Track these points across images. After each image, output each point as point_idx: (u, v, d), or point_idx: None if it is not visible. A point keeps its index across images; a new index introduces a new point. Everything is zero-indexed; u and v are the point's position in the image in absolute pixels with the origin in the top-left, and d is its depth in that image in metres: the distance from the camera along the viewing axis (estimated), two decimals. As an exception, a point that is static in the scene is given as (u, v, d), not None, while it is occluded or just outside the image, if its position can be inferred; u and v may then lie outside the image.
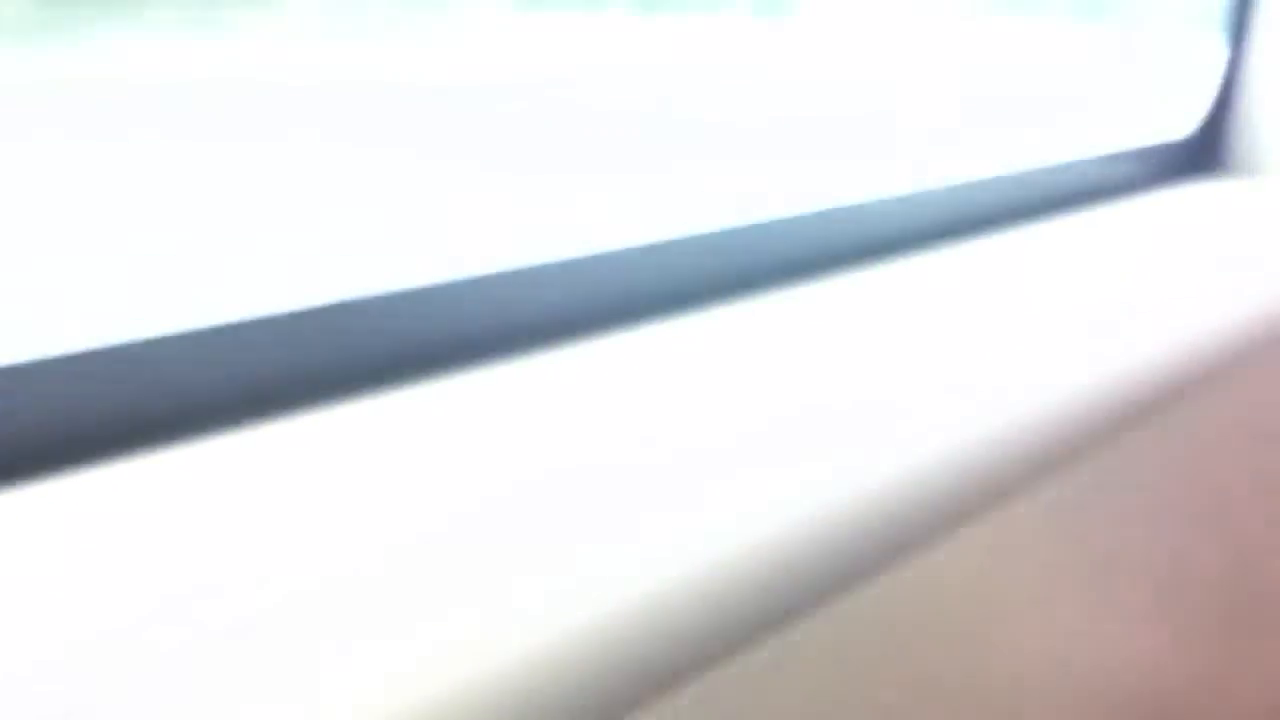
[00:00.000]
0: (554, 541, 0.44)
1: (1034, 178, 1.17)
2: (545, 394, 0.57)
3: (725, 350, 0.65)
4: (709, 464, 0.52)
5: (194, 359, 0.53)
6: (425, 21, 0.82)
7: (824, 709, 0.68)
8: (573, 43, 0.95)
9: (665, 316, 0.72)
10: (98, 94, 0.66)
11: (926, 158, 1.24)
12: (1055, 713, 1.00)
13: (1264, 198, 1.35)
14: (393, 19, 0.80)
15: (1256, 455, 1.27)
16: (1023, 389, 0.71)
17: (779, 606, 0.53)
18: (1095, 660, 1.03)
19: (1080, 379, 0.76)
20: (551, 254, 0.70)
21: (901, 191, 0.98)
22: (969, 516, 0.67)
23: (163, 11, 0.68)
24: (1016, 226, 1.09)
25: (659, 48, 1.03)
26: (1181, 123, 1.48)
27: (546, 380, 0.59)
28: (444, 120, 0.83)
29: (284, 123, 0.74)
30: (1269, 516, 1.33)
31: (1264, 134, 1.45)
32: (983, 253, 0.98)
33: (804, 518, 0.54)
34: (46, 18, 0.64)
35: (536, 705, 0.41)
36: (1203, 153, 1.46)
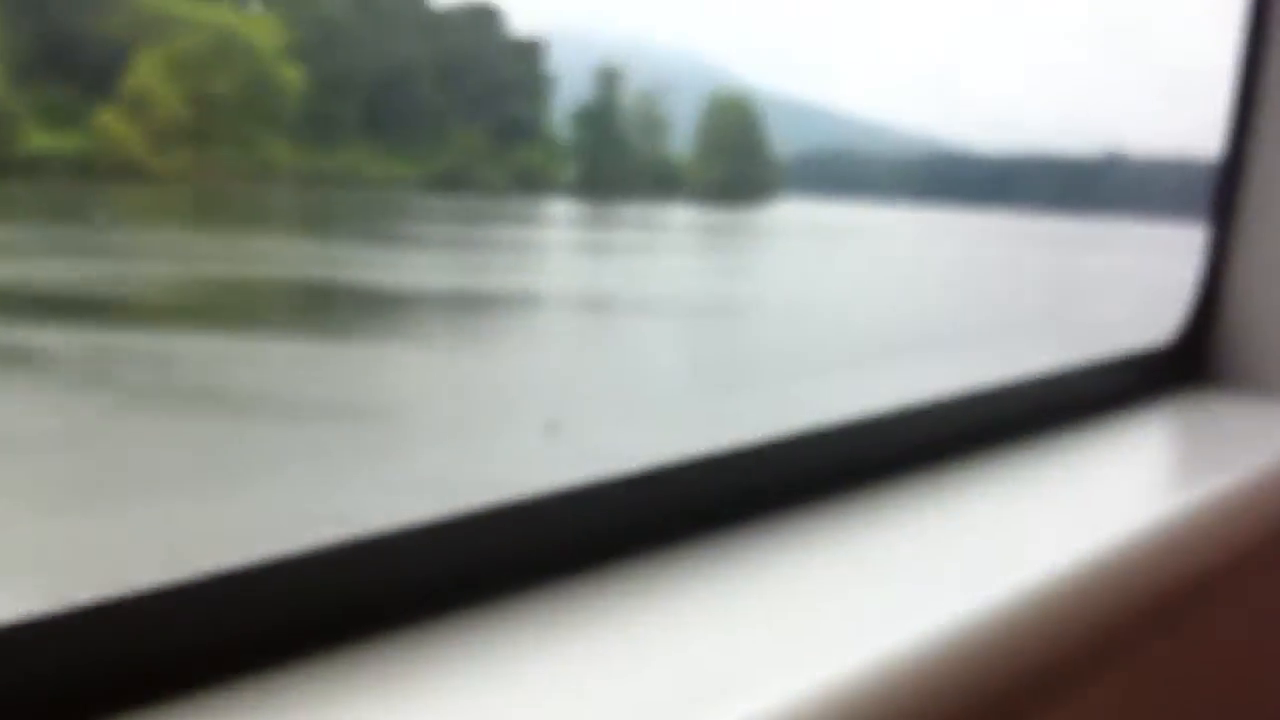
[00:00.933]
0: None
1: (1009, 393, 1.15)
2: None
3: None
4: None
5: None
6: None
7: None
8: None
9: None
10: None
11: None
12: None
13: (1252, 413, 1.31)
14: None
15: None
16: (1031, 603, 0.73)
17: None
18: None
19: (1076, 601, 0.77)
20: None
21: (887, 411, 0.99)
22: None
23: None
24: (996, 444, 1.06)
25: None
26: (1162, 326, 1.44)
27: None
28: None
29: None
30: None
31: (1251, 342, 1.40)
32: (962, 476, 0.96)
33: None
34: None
35: None
36: (1183, 362, 1.42)
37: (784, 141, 2.32)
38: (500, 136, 1.66)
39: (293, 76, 1.29)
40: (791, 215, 2.40)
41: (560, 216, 2.07)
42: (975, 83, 2.72)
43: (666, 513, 0.75)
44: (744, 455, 0.84)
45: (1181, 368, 1.41)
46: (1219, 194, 1.42)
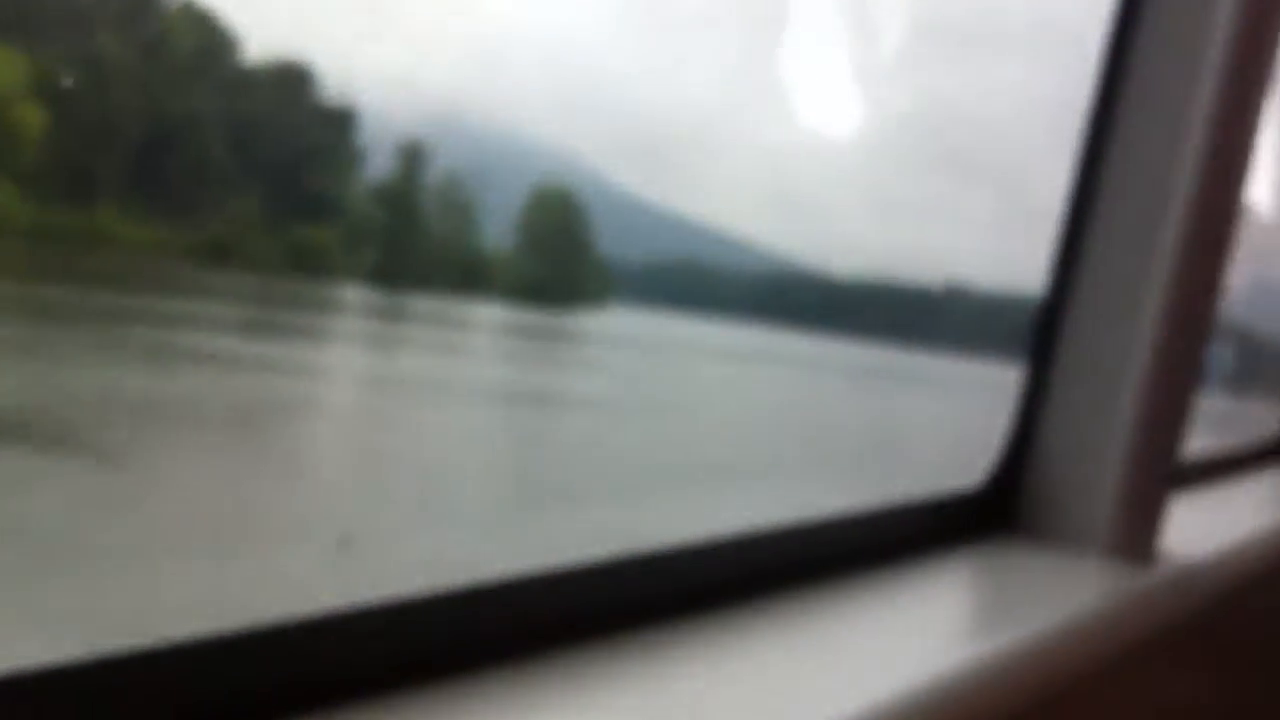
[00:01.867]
0: None
1: (816, 530, 1.12)
2: None
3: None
4: None
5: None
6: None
7: None
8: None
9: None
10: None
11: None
12: None
13: (1054, 564, 1.29)
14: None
15: None
16: None
17: None
18: None
19: None
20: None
21: (682, 544, 0.96)
22: None
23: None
24: (797, 583, 1.03)
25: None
26: (970, 469, 1.43)
27: None
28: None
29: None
30: None
31: (1058, 492, 1.39)
32: (763, 613, 0.93)
33: None
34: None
35: None
36: (992, 508, 1.40)
37: (633, 248, 2.27)
38: (287, 209, 1.50)
39: (33, 119, 1.16)
40: (611, 325, 2.28)
41: (325, 303, 1.81)
42: (833, 205, 2.76)
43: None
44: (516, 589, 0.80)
45: (990, 513, 1.40)
46: (1037, 338, 1.42)
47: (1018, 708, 0.97)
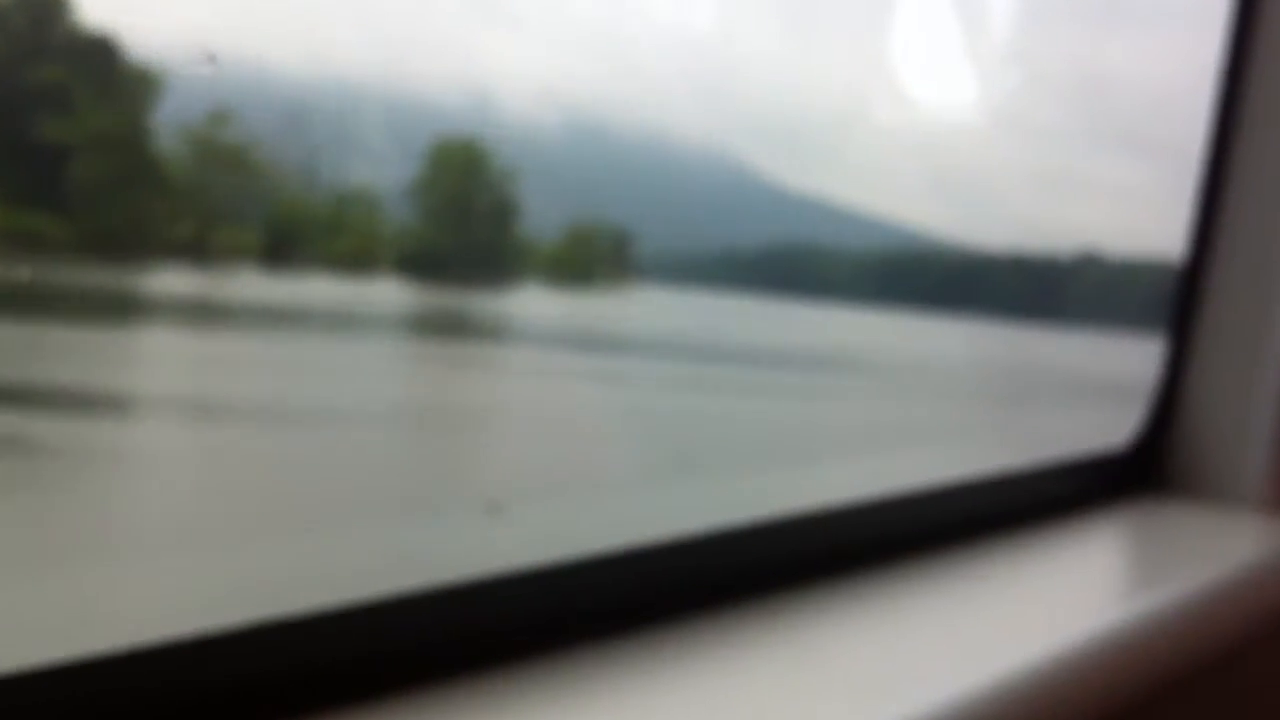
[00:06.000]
0: None
1: (966, 492, 1.14)
2: None
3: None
4: None
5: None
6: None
7: None
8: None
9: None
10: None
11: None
12: None
13: (1205, 521, 1.29)
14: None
15: None
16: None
17: None
18: None
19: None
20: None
21: (836, 506, 0.98)
22: None
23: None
24: (950, 543, 1.05)
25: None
26: (1117, 432, 1.43)
27: None
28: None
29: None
30: None
31: (1206, 449, 1.39)
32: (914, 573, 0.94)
33: None
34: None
35: None
36: (1139, 467, 1.40)
37: (765, 233, 2.19)
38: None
39: None
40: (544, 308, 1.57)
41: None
42: (984, 180, 2.70)
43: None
44: (679, 548, 0.82)
45: (1137, 473, 1.40)
46: (1178, 301, 1.42)
47: (1180, 666, 0.97)
